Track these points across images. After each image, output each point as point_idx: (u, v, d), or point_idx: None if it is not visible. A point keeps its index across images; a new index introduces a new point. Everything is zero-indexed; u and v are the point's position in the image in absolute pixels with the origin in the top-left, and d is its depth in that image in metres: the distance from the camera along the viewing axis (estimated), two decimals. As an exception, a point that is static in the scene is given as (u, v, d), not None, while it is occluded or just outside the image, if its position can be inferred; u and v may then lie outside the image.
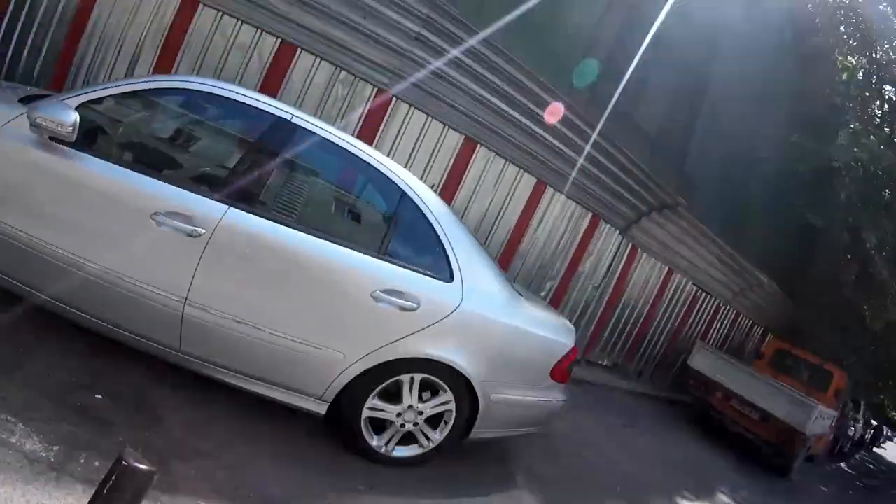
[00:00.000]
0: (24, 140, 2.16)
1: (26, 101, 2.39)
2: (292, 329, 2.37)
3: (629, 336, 7.92)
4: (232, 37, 4.33)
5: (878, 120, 10.33)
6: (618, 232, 6.85)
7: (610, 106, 5.87)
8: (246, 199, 2.35)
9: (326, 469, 2.52)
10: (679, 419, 7.72)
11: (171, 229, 2.22)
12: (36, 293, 2.25)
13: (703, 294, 8.95)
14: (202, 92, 2.50)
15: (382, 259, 2.51)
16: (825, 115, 10.14)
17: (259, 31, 4.35)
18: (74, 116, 2.09)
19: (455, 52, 4.65)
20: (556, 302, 6.50)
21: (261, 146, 2.52)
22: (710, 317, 9.40)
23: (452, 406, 2.68)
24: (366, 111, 4.75)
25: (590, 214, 6.41)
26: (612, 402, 6.62)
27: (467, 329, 2.62)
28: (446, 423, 2.73)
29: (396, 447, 2.72)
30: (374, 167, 2.66)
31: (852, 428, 12.78)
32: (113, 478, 1.19)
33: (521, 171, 5.63)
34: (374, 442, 2.65)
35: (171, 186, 2.27)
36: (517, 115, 5.22)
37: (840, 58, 10.00)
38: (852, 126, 9.33)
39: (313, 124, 2.58)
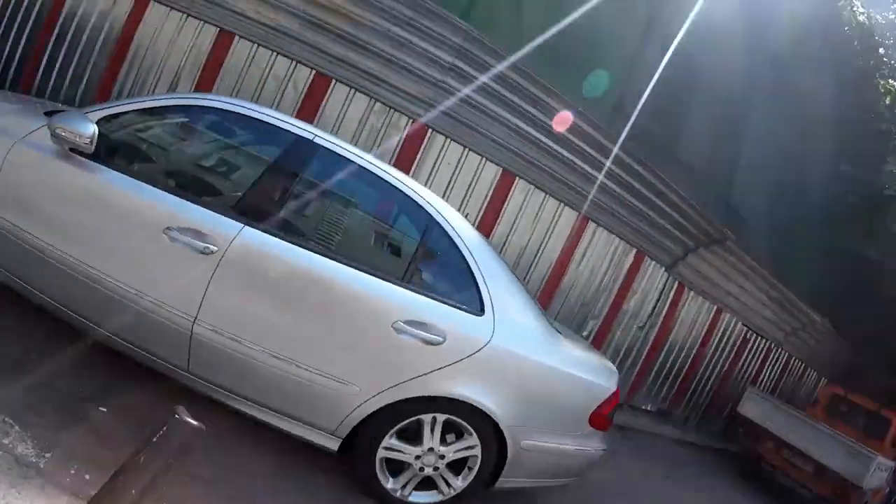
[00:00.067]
0: (46, 150, 2.20)
1: (51, 115, 2.40)
2: (304, 357, 2.21)
3: (675, 380, 7.38)
4: (267, 68, 4.40)
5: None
6: (663, 269, 6.46)
7: (646, 134, 5.65)
8: (262, 219, 2.24)
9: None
10: (725, 470, 7.14)
11: (184, 245, 2.14)
12: (47, 299, 2.25)
13: (753, 335, 8.36)
14: (222, 110, 2.47)
15: (406, 287, 2.32)
16: (872, 141, 9.70)
17: (294, 62, 4.40)
18: (93, 128, 2.11)
19: (490, 82, 4.57)
20: (598, 342, 6.11)
21: (280, 165, 2.43)
22: (760, 360, 8.74)
23: (478, 451, 2.42)
24: (401, 143, 4.69)
25: (634, 250, 6.06)
26: (656, 450, 6.15)
27: (498, 367, 2.38)
28: (470, 469, 2.46)
29: (414, 492, 2.47)
30: (399, 190, 2.52)
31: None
32: (164, 428, 1.29)
33: (562, 204, 5.39)
34: (390, 485, 2.42)
35: (186, 202, 2.21)
36: (556, 147, 5.05)
37: (882, 81, 9.67)
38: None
39: (336, 144, 2.48)
